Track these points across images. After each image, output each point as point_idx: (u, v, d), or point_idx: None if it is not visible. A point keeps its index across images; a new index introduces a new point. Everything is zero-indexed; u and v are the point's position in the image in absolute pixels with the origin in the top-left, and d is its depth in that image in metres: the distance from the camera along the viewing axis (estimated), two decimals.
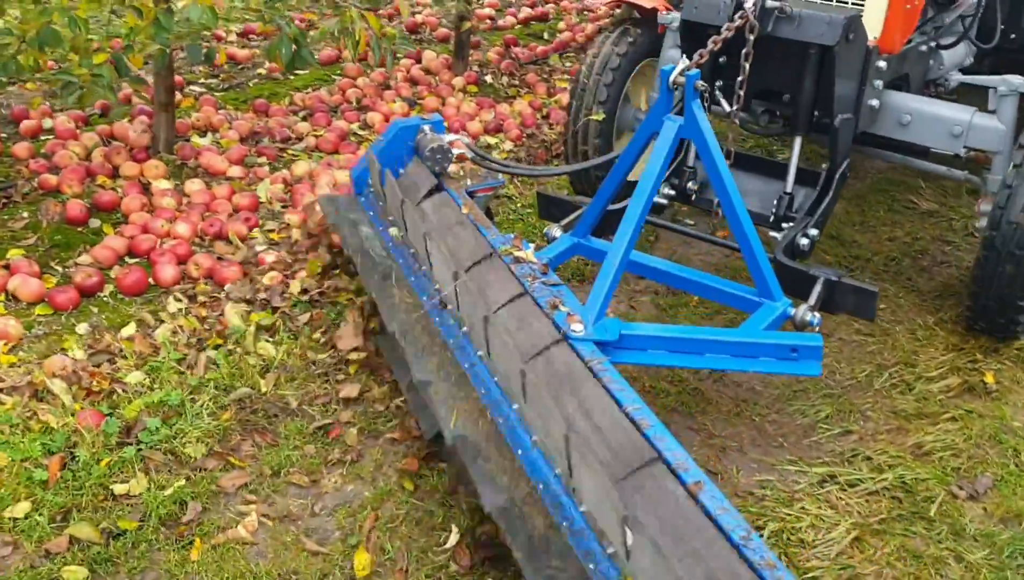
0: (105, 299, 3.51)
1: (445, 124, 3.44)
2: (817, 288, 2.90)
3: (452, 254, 2.75)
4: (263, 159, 4.61)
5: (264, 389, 3.00)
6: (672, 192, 3.58)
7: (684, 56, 3.30)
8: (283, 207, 4.24)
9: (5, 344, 3.16)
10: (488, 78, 5.88)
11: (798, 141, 3.38)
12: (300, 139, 4.87)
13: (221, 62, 5.53)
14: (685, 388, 3.18)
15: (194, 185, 4.23)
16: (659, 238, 4.14)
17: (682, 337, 2.63)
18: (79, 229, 3.93)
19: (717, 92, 3.38)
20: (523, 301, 2.53)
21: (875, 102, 3.43)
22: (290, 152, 4.74)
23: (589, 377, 2.21)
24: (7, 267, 3.58)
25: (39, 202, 4.05)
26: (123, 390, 2.95)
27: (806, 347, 2.64)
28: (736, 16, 3.01)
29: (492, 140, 5.12)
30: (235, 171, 4.43)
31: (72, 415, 2.81)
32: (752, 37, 2.97)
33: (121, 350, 3.16)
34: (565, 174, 4.07)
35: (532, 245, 2.82)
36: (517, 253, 2.75)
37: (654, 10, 3.96)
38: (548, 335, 2.37)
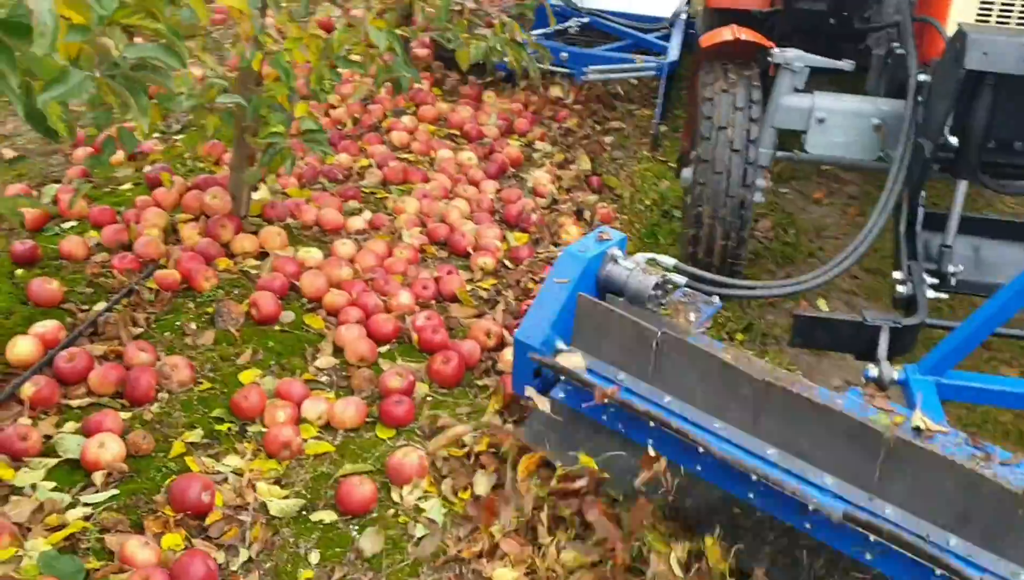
0: (429, 397, 2.87)
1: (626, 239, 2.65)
2: None
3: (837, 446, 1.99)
4: (354, 203, 3.93)
5: None
6: (934, 280, 2.94)
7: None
8: (442, 250, 3.70)
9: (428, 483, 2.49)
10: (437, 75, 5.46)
11: None
12: (360, 174, 4.19)
13: None
14: None
15: (345, 247, 3.50)
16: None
17: None
18: (275, 327, 3.09)
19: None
20: None
21: None
22: (366, 189, 4.07)
23: None
24: (271, 395, 2.76)
25: (179, 309, 3.10)
26: None
27: None
28: None
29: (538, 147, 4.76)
30: (356, 222, 3.73)
31: None
32: None
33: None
34: (815, 287, 3.04)
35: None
36: (916, 421, 2.04)
37: (756, 46, 3.44)
38: None
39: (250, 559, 2.24)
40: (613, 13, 5.68)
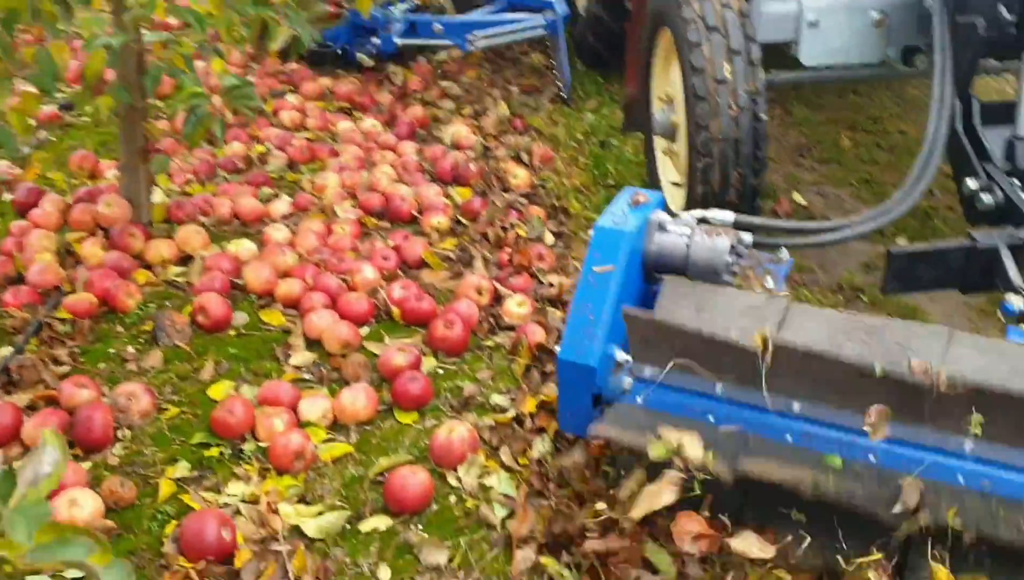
0: (439, 368, 2.45)
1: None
2: None
3: None
4: (267, 189, 3.41)
5: None
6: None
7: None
8: (382, 221, 3.26)
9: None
10: None
11: None
12: (261, 161, 3.67)
13: None
14: None
15: (279, 233, 3.02)
16: None
17: None
18: (229, 332, 2.59)
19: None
20: None
21: None
22: (273, 174, 3.55)
23: None
24: (257, 405, 2.27)
25: (107, 335, 2.55)
26: None
27: None
28: None
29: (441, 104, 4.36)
30: (280, 207, 3.24)
31: None
32: None
33: None
34: (906, 212, 2.50)
35: None
36: None
37: None
38: None
39: None
40: None
